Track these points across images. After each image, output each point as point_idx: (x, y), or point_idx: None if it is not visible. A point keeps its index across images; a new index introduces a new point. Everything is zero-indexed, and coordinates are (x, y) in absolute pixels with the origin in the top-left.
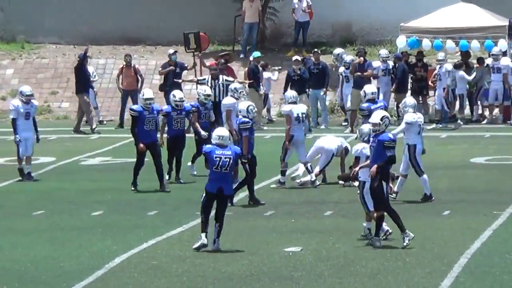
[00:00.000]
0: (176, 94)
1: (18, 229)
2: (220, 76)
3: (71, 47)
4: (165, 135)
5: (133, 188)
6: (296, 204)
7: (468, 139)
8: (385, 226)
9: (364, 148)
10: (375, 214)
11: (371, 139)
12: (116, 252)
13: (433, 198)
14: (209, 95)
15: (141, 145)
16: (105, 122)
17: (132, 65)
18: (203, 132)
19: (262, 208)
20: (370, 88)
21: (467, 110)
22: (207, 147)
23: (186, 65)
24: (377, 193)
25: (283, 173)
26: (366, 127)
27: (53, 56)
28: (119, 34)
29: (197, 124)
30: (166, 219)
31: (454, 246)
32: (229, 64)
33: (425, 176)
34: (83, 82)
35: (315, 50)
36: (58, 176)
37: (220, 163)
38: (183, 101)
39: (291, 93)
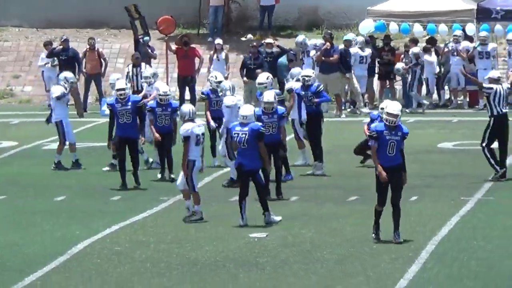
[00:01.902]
0: (161, 87)
1: None
2: (142, 65)
3: (33, 30)
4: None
5: (120, 188)
6: None
7: (435, 124)
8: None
9: (193, 128)
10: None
11: (387, 131)
12: (79, 238)
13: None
14: (220, 82)
15: (112, 145)
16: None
17: (96, 49)
18: (212, 123)
19: (227, 193)
20: (308, 72)
21: (435, 95)
22: (232, 125)
23: (155, 52)
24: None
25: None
26: (185, 108)
27: (16, 39)
28: (82, 17)
29: (207, 114)
30: (129, 205)
31: (422, 231)
32: (193, 45)
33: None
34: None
35: (268, 41)
36: (20, 160)
37: (238, 139)
38: (168, 95)
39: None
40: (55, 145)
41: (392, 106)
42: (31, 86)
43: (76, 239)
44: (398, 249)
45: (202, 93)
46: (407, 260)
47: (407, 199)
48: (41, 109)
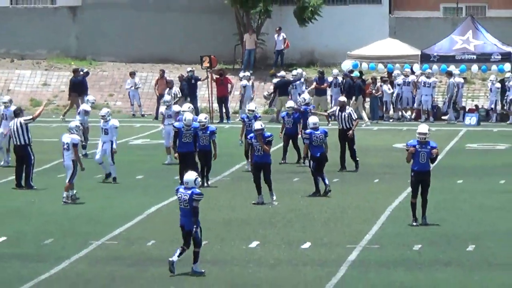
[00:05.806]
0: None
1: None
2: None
3: (123, 64)
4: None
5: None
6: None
7: (391, 131)
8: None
9: None
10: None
11: (419, 145)
12: (151, 203)
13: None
14: (252, 111)
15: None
16: (145, 115)
17: (164, 77)
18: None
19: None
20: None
21: (391, 112)
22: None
23: (200, 77)
24: None
25: None
26: None
27: (111, 70)
28: (155, 55)
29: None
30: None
31: (382, 203)
32: (227, 76)
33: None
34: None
35: (280, 74)
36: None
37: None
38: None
39: None
40: (137, 142)
41: (421, 127)
42: (120, 101)
43: (149, 205)
44: (365, 214)
45: (242, 118)
46: (371, 222)
47: (371, 181)
48: (127, 117)
